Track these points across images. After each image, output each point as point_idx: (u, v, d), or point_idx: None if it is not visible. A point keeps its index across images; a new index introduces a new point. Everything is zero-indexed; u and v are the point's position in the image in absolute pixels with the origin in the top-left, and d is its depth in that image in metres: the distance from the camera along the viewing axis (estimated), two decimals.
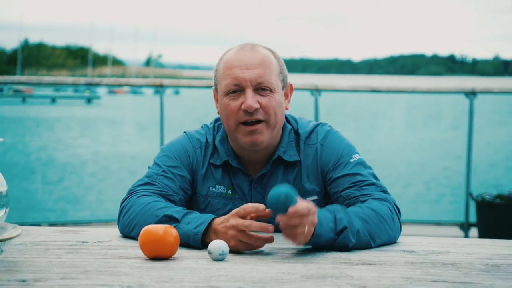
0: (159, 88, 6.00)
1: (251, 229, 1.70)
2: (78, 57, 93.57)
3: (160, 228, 1.65)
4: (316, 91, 5.76)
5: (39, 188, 13.48)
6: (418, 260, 1.68)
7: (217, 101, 2.05)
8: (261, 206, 1.69)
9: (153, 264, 1.60)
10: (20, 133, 24.03)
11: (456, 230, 5.98)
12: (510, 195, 5.62)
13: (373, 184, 1.96)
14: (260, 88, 1.95)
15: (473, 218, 5.88)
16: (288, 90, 2.07)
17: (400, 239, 1.92)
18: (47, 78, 6.34)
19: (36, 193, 12.84)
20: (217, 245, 1.64)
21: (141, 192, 1.95)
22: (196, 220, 1.79)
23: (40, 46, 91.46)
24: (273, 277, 1.49)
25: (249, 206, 1.71)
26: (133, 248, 1.76)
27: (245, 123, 1.95)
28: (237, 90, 1.95)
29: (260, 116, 1.95)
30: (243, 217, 1.72)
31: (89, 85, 6.30)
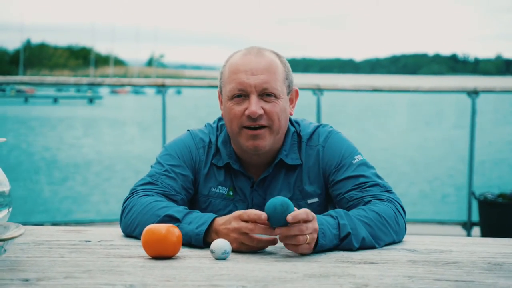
0: (161, 88, 6.00)
1: (255, 233, 1.69)
2: (80, 57, 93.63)
3: (162, 227, 1.66)
4: (318, 90, 5.76)
5: (43, 188, 13.50)
6: (420, 259, 1.68)
7: (221, 102, 2.04)
8: (263, 214, 1.68)
9: (156, 263, 1.60)
10: (23, 133, 24.06)
11: (459, 229, 5.98)
12: None
13: (376, 184, 1.95)
14: (265, 94, 1.94)
15: (475, 217, 5.87)
16: (293, 95, 2.06)
17: None
18: (49, 78, 6.34)
19: (39, 193, 12.85)
20: (220, 244, 1.64)
21: (143, 191, 1.95)
22: (197, 220, 1.79)
23: (42, 47, 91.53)
24: (276, 276, 1.49)
25: (252, 212, 1.69)
26: (136, 247, 1.76)
27: (248, 127, 1.95)
28: (242, 95, 1.95)
29: (263, 122, 1.94)
30: (245, 221, 1.71)
31: (91, 85, 6.30)
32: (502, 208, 5.58)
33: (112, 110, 41.31)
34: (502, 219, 5.58)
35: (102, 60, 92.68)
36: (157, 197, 1.92)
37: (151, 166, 2.04)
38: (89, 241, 1.82)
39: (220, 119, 2.12)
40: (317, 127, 2.07)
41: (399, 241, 1.88)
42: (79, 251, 1.70)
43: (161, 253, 1.64)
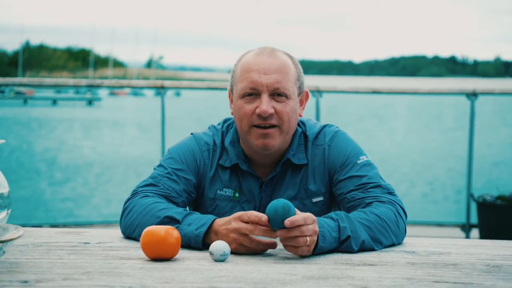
0: (160, 90, 6.00)
1: (255, 234, 1.69)
2: (79, 59, 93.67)
3: (161, 229, 1.66)
4: (317, 92, 5.77)
5: (42, 189, 13.49)
6: (419, 261, 1.68)
7: (231, 101, 2.05)
8: (264, 217, 1.68)
9: (155, 265, 1.60)
10: (22, 135, 24.05)
11: (457, 231, 5.98)
12: (511, 196, 5.61)
13: (379, 186, 1.95)
14: (276, 94, 1.95)
15: (474, 219, 5.88)
16: (304, 97, 2.07)
17: None
18: (48, 80, 6.32)
19: (39, 195, 12.85)
20: (219, 246, 1.64)
21: (144, 193, 1.95)
22: (197, 221, 1.79)
23: (41, 48, 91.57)
24: (275, 278, 1.49)
25: (253, 214, 1.70)
26: (135, 249, 1.76)
27: (258, 126, 1.96)
28: (253, 93, 1.96)
29: (273, 121, 1.95)
30: (246, 222, 1.71)
31: (91, 86, 6.29)
32: (500, 210, 5.58)
33: (111, 112, 41.32)
34: (500, 221, 5.58)
35: (101, 62, 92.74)
36: (158, 199, 1.92)
37: (154, 169, 2.04)
38: (88, 243, 1.82)
39: (225, 121, 2.13)
40: (323, 127, 2.09)
41: (399, 244, 1.88)
42: (78, 253, 1.70)
43: (160, 255, 1.64)
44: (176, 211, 1.84)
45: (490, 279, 1.52)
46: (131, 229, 1.88)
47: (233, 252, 1.71)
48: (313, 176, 2.03)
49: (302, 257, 1.70)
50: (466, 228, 5.92)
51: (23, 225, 1.79)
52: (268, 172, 2.04)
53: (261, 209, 2.00)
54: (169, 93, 6.38)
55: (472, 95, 5.88)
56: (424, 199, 12.69)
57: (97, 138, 24.85)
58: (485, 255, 1.76)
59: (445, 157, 18.91)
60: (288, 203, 1.67)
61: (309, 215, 1.68)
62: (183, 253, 1.71)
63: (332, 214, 1.80)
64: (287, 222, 1.65)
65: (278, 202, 1.67)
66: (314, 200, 2.03)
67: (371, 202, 1.91)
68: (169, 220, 1.82)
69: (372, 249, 1.79)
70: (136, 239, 1.83)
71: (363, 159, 2.01)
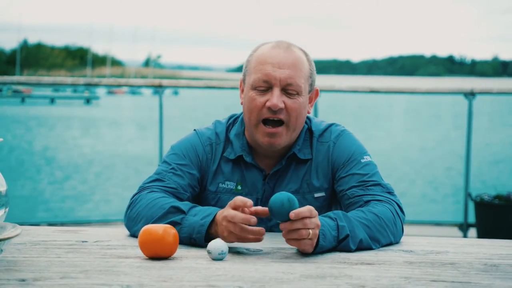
0: (158, 89, 6.00)
1: (235, 220, 1.70)
2: (77, 58, 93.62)
3: (159, 227, 1.66)
4: None
5: (40, 188, 13.48)
6: (417, 260, 1.68)
7: (242, 91, 2.06)
8: (248, 201, 1.69)
9: (153, 263, 1.60)
10: (21, 133, 24.02)
11: (455, 231, 5.99)
12: (509, 196, 5.62)
13: (379, 184, 1.97)
14: (288, 89, 1.96)
15: (472, 218, 5.88)
16: (313, 95, 2.08)
17: None
18: (46, 78, 6.33)
19: (37, 193, 12.83)
20: (216, 244, 1.64)
21: (151, 188, 1.96)
22: (202, 212, 1.80)
23: (39, 47, 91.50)
24: (272, 277, 1.49)
25: (238, 199, 1.71)
26: (133, 247, 1.76)
27: (266, 123, 1.96)
28: (265, 86, 1.96)
29: (282, 116, 1.96)
30: (234, 208, 1.72)
31: (89, 85, 6.30)
32: (498, 209, 5.59)
33: (109, 111, 41.29)
34: (498, 221, 5.59)
35: (99, 61, 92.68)
36: (164, 194, 1.93)
37: (158, 165, 2.05)
38: (85, 242, 1.82)
39: (232, 116, 2.14)
40: (330, 125, 2.10)
41: (397, 243, 1.89)
42: (76, 252, 1.70)
43: (158, 254, 1.64)
44: (182, 203, 1.86)
45: (487, 278, 1.52)
46: (136, 221, 1.88)
47: (231, 251, 1.71)
48: (316, 172, 2.04)
49: (302, 255, 1.70)
50: (463, 227, 5.92)
51: (21, 224, 1.79)
52: (271, 165, 2.05)
53: (264, 201, 2.02)
54: (167, 91, 6.39)
55: (470, 95, 5.88)
56: (422, 199, 12.71)
57: (96, 136, 24.84)
58: (483, 254, 1.76)
59: (443, 157, 18.93)
60: (292, 196, 1.67)
61: (312, 207, 1.68)
62: (181, 252, 1.71)
63: (330, 213, 1.80)
64: (292, 214, 1.65)
65: (283, 195, 1.67)
66: (316, 195, 2.04)
67: (370, 201, 1.92)
68: (175, 210, 1.82)
69: (370, 248, 1.79)
70: (137, 233, 1.83)
71: (366, 159, 2.03)
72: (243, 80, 2.05)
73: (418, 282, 1.47)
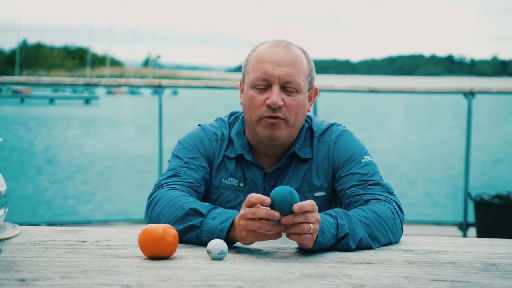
0: (157, 89, 6.00)
1: (257, 216, 1.66)
2: (77, 58, 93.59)
3: (159, 227, 1.66)
4: None
5: (41, 187, 13.48)
6: (416, 259, 1.68)
7: (241, 91, 2.07)
8: (267, 199, 1.66)
9: (153, 263, 1.60)
10: (21, 133, 24.01)
11: (455, 230, 5.99)
12: (508, 195, 5.62)
13: (378, 184, 1.97)
14: (287, 87, 1.97)
15: (471, 218, 5.88)
16: (313, 93, 2.09)
17: None
18: (45, 79, 6.34)
19: (37, 193, 12.83)
20: (216, 244, 1.64)
21: (169, 185, 1.96)
22: (221, 215, 1.78)
23: (39, 47, 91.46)
24: (272, 276, 1.49)
25: (254, 196, 1.67)
26: (132, 247, 1.76)
27: (267, 117, 1.97)
28: (265, 84, 1.97)
29: (281, 114, 1.97)
30: (250, 206, 1.69)
31: (88, 85, 6.30)
32: (498, 209, 5.59)
33: (108, 111, 41.29)
34: (498, 220, 5.59)
35: (99, 61, 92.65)
36: (183, 191, 1.93)
37: (169, 161, 2.06)
38: (85, 241, 1.82)
39: (232, 114, 2.15)
40: (331, 125, 2.11)
41: (396, 242, 1.89)
42: (76, 251, 1.70)
43: (157, 253, 1.64)
44: (201, 205, 1.84)
45: (487, 277, 1.52)
46: (157, 222, 1.88)
47: (231, 250, 1.71)
48: (317, 171, 2.05)
49: (302, 255, 1.70)
50: (463, 226, 5.92)
51: (22, 224, 1.79)
52: (272, 163, 2.06)
53: None
54: (167, 92, 6.40)
55: (469, 94, 5.88)
56: (421, 198, 12.71)
57: (96, 136, 24.84)
58: (483, 254, 1.76)
59: (442, 156, 18.93)
60: (293, 190, 1.67)
61: (314, 202, 1.68)
62: (180, 252, 1.71)
63: (330, 211, 1.80)
64: (295, 207, 1.64)
65: (284, 189, 1.66)
66: (316, 194, 2.05)
67: (370, 200, 1.92)
68: (194, 213, 1.81)
69: (370, 247, 1.80)
70: None
71: (367, 158, 2.03)
72: (243, 80, 2.06)
73: (417, 282, 1.47)
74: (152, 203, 1.93)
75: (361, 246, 1.78)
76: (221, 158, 2.06)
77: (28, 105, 44.86)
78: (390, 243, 1.86)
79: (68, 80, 6.48)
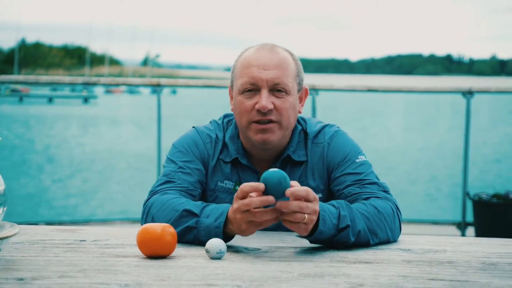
0: (156, 88, 5.99)
1: (252, 206, 1.65)
2: (75, 57, 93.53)
3: (158, 226, 1.66)
4: (313, 90, 5.77)
5: (40, 187, 13.47)
6: (415, 259, 1.68)
7: (231, 98, 2.06)
8: (260, 185, 1.64)
9: (151, 262, 1.60)
10: (20, 132, 24.01)
11: (453, 229, 5.99)
12: (507, 194, 5.63)
13: (375, 183, 1.97)
14: (276, 89, 1.96)
15: (470, 217, 5.89)
16: (303, 93, 2.08)
17: None
18: (44, 78, 6.34)
19: (36, 192, 12.82)
20: (215, 243, 1.64)
21: (163, 191, 1.95)
22: (214, 212, 1.78)
23: (38, 46, 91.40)
24: (271, 276, 1.49)
25: (246, 185, 1.66)
26: (131, 246, 1.76)
27: (258, 122, 1.96)
28: (253, 89, 1.97)
29: (273, 117, 1.96)
30: (243, 198, 1.68)
31: (87, 84, 6.31)
32: (496, 208, 5.59)
33: (107, 110, 41.27)
34: (496, 219, 5.59)
35: (97, 60, 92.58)
36: (177, 195, 1.93)
37: (164, 166, 2.05)
38: (84, 241, 1.82)
39: (226, 116, 2.14)
40: (324, 126, 2.10)
41: (394, 240, 1.89)
42: (74, 251, 1.70)
43: (156, 253, 1.64)
44: (193, 204, 1.83)
45: (485, 277, 1.52)
46: None
47: (229, 249, 1.71)
48: (312, 173, 2.05)
49: (301, 254, 1.70)
50: (461, 226, 5.93)
51: (20, 223, 1.79)
52: (267, 167, 2.05)
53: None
54: (165, 91, 6.39)
55: (468, 94, 5.88)
56: (420, 197, 12.71)
57: (95, 135, 24.83)
58: (481, 253, 1.76)
59: (441, 156, 18.94)
60: (286, 174, 1.65)
61: (311, 190, 1.67)
62: (179, 251, 1.71)
63: (333, 202, 1.80)
64: (288, 191, 1.63)
65: (279, 173, 1.64)
66: None
67: (368, 198, 1.92)
68: (188, 214, 1.81)
69: (368, 241, 1.79)
70: None
71: (361, 158, 2.03)
72: (231, 86, 2.06)
73: (416, 281, 1.47)
74: (146, 209, 1.93)
75: (359, 240, 1.78)
76: (216, 160, 2.06)
77: (27, 104, 44.83)
78: (388, 241, 1.86)
79: (67, 79, 6.49)
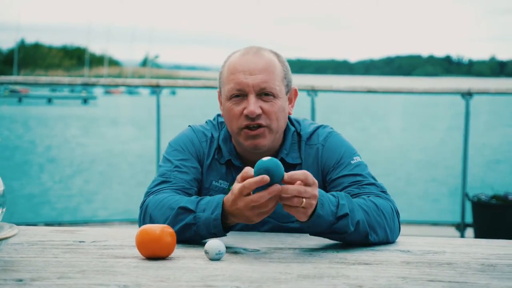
0: (155, 89, 5.99)
1: (251, 188, 1.65)
2: (75, 57, 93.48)
3: (157, 227, 1.66)
4: (312, 91, 5.77)
5: (39, 187, 13.46)
6: (414, 260, 1.68)
7: (221, 103, 2.06)
8: (264, 177, 1.63)
9: (150, 263, 1.60)
10: (20, 133, 24.00)
11: (452, 231, 5.99)
12: (506, 196, 5.63)
13: (373, 184, 1.97)
14: (263, 94, 1.96)
15: (469, 218, 5.89)
16: (292, 94, 2.08)
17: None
18: (43, 78, 6.34)
19: (37, 193, 12.82)
20: (214, 244, 1.64)
21: (158, 191, 1.95)
22: (209, 205, 1.79)
23: (37, 46, 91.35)
24: (270, 277, 1.49)
25: (251, 182, 1.65)
26: (130, 247, 1.76)
27: (248, 128, 1.96)
28: (240, 95, 1.97)
29: (262, 121, 1.96)
30: (248, 195, 1.68)
31: (86, 85, 6.31)
32: (495, 209, 5.59)
33: (107, 110, 41.26)
34: (495, 221, 5.59)
35: (97, 60, 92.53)
36: (172, 193, 1.93)
37: (160, 166, 2.05)
38: (83, 242, 1.82)
39: (219, 116, 2.14)
40: (318, 127, 2.09)
41: (392, 240, 1.89)
42: (73, 252, 1.70)
43: (155, 254, 1.64)
44: (188, 200, 1.84)
45: (484, 278, 1.52)
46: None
47: (229, 251, 1.71)
48: None
49: (300, 255, 1.70)
50: (461, 227, 5.93)
51: (18, 224, 1.78)
52: None
53: None
54: (165, 91, 6.38)
55: (467, 95, 5.89)
56: (419, 198, 12.72)
57: (95, 136, 24.82)
58: (480, 254, 1.76)
59: (440, 157, 18.94)
60: (279, 162, 1.66)
61: (309, 174, 1.67)
62: (178, 252, 1.71)
63: (332, 192, 1.81)
64: (286, 176, 1.64)
65: (274, 160, 1.65)
66: None
67: (368, 197, 1.92)
68: (184, 211, 1.81)
69: (366, 235, 1.79)
70: None
71: (356, 159, 2.02)
72: (220, 92, 2.05)
73: (415, 282, 1.47)
74: (143, 210, 1.93)
75: (359, 232, 1.77)
76: (211, 159, 2.06)
77: (26, 104, 44.81)
78: (387, 240, 1.86)
79: (66, 80, 6.48)
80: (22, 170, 15.13)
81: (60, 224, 6.43)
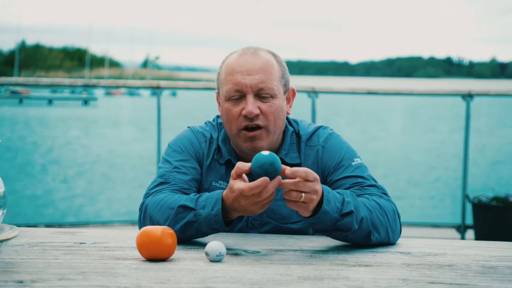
0: (156, 90, 5.99)
1: (266, 195, 1.67)
2: (75, 59, 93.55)
3: (157, 229, 1.66)
4: (313, 93, 5.77)
5: (41, 188, 13.46)
6: (414, 262, 1.68)
7: (219, 104, 2.07)
8: (265, 179, 1.66)
9: (151, 265, 1.60)
10: (21, 135, 24.00)
11: (453, 232, 5.99)
12: (507, 197, 5.62)
13: (374, 185, 1.97)
14: (261, 94, 1.96)
15: (469, 220, 5.88)
16: (290, 94, 2.08)
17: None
18: (44, 80, 6.33)
19: (37, 194, 12.82)
20: (214, 246, 1.64)
21: (157, 192, 1.95)
22: (208, 201, 1.79)
23: (37, 48, 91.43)
24: (270, 279, 1.49)
25: (253, 187, 1.67)
26: (131, 249, 1.76)
27: (246, 129, 1.96)
28: (238, 95, 1.97)
29: (260, 122, 1.96)
30: (253, 195, 1.69)
31: (86, 86, 6.30)
32: (496, 211, 5.59)
33: (107, 112, 41.28)
34: (496, 222, 5.59)
35: (97, 62, 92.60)
36: (170, 193, 1.93)
37: (159, 167, 2.05)
38: (83, 243, 1.82)
39: (218, 117, 2.14)
40: (318, 128, 2.09)
41: (393, 241, 1.89)
42: (74, 253, 1.70)
43: (156, 255, 1.64)
44: (186, 198, 1.84)
45: (485, 280, 1.52)
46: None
47: (229, 253, 1.71)
48: None
49: (300, 257, 1.70)
50: (461, 229, 5.92)
51: (19, 225, 1.79)
52: None
53: None
54: (165, 93, 6.40)
55: (468, 96, 5.88)
56: (419, 200, 12.71)
57: (96, 137, 24.82)
58: (481, 256, 1.76)
59: (440, 158, 18.94)
60: (276, 157, 1.68)
61: (311, 171, 1.68)
62: (179, 254, 1.71)
63: (338, 190, 1.81)
64: (288, 171, 1.66)
65: (274, 154, 1.68)
66: None
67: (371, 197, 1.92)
68: (184, 209, 1.82)
69: (369, 232, 1.80)
70: None
71: (357, 161, 2.02)
72: (218, 93, 2.06)
73: (416, 284, 1.47)
74: (142, 211, 1.93)
75: (362, 230, 1.78)
76: (211, 160, 2.06)
77: (27, 106, 44.82)
78: (388, 241, 1.86)
79: (67, 81, 6.48)
80: (25, 171, 15.14)
81: (60, 225, 6.43)
